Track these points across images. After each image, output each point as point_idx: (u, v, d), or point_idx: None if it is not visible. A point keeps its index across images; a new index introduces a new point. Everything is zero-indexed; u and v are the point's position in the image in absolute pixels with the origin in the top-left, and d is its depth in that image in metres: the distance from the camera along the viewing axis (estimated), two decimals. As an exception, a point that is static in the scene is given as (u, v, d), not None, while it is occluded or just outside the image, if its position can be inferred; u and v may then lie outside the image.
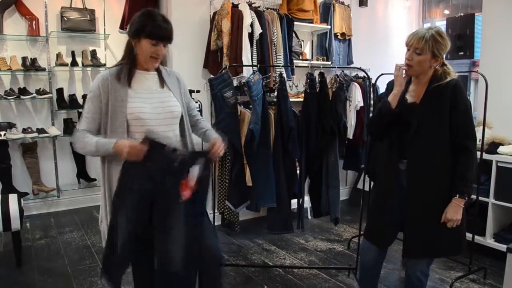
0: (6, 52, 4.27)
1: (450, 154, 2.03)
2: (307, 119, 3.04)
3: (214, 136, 2.02)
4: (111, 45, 4.83)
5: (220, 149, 1.91)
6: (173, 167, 1.78)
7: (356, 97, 4.31)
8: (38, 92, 4.32)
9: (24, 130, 4.25)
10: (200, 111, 3.71)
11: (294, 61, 4.23)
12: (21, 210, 3.15)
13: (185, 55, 3.93)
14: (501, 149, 3.30)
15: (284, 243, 3.79)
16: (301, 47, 4.54)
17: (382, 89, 2.69)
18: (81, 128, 1.89)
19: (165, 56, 2.00)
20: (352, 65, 4.89)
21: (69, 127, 4.51)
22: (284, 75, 3.48)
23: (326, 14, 4.72)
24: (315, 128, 3.04)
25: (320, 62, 4.57)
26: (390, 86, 2.19)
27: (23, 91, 4.25)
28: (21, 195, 3.47)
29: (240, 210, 3.20)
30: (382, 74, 3.29)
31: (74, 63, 4.52)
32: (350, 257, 3.48)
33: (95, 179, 4.74)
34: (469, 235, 3.04)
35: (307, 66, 4.18)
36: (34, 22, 4.28)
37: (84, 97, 4.59)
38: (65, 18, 4.40)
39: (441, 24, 5.44)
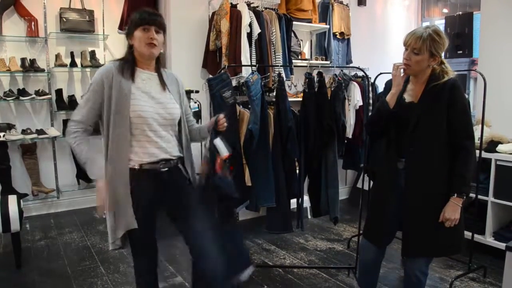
0: (5, 53, 4.26)
1: (448, 153, 2.03)
2: (306, 118, 3.04)
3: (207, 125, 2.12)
4: (110, 46, 4.82)
5: (223, 120, 2.06)
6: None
7: (355, 97, 4.31)
8: (37, 93, 4.31)
9: (24, 131, 4.25)
10: (200, 111, 3.71)
11: (293, 61, 4.23)
12: (20, 211, 3.15)
13: (184, 55, 3.93)
14: (500, 147, 3.30)
15: (283, 242, 3.79)
16: (300, 46, 4.55)
17: (381, 88, 2.69)
18: (75, 118, 1.89)
19: (163, 56, 2.00)
20: (351, 65, 4.89)
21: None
22: (283, 75, 3.48)
23: (324, 14, 4.72)
24: (314, 128, 3.04)
25: (319, 61, 4.57)
26: (388, 85, 2.19)
27: (22, 92, 4.25)
28: (21, 196, 3.46)
29: (239, 210, 3.20)
30: (381, 73, 3.29)
31: (73, 64, 4.52)
32: (350, 256, 3.48)
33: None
34: (468, 234, 3.04)
35: (306, 66, 4.18)
36: (33, 23, 4.28)
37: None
38: (64, 19, 4.40)
39: (440, 23, 5.44)
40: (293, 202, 3.22)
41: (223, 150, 2.00)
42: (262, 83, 3.12)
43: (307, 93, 3.05)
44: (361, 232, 2.94)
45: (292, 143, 3.00)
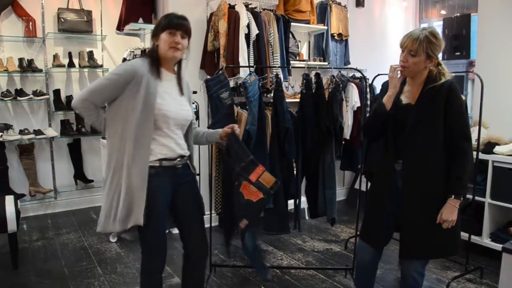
0: (3, 53, 4.25)
1: (445, 155, 2.03)
2: (303, 119, 3.04)
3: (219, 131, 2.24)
4: (108, 46, 4.82)
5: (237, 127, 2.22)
6: None
7: (353, 98, 4.31)
8: (35, 93, 4.31)
9: (21, 132, 4.25)
10: (197, 112, 3.71)
11: (291, 62, 4.23)
12: (17, 212, 3.15)
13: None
14: (497, 149, 3.31)
15: (281, 243, 3.80)
16: (298, 47, 4.55)
17: (378, 89, 2.70)
18: (89, 98, 1.90)
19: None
20: (348, 66, 4.90)
21: (66, 128, 4.51)
22: (281, 76, 3.48)
23: (323, 15, 4.72)
24: (311, 129, 3.04)
25: (317, 62, 4.58)
26: (385, 87, 2.20)
27: (20, 92, 4.25)
28: (18, 197, 3.46)
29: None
30: (378, 75, 3.30)
31: (71, 64, 4.51)
32: (347, 257, 3.48)
33: (92, 180, 4.74)
34: (465, 235, 3.05)
35: (304, 67, 4.17)
36: (30, 23, 4.27)
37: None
38: (62, 19, 4.40)
39: (438, 24, 5.45)
40: (291, 203, 3.22)
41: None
42: (260, 84, 3.12)
43: (305, 94, 3.05)
44: (358, 233, 2.94)
45: (290, 144, 3.00)
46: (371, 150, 3.33)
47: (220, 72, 2.99)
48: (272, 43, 3.92)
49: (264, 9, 4.03)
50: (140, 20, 4.21)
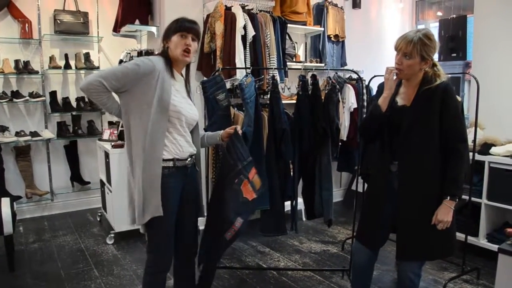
0: (-1, 55, 4.25)
1: (441, 156, 2.03)
2: (300, 121, 3.04)
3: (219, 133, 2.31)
4: (105, 48, 4.82)
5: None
6: None
7: (350, 99, 4.32)
8: (31, 95, 4.30)
9: (17, 133, 4.24)
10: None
11: (288, 63, 4.23)
12: (13, 214, 3.14)
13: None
14: (493, 150, 3.32)
15: (278, 245, 3.79)
16: (295, 49, 4.55)
17: (375, 90, 2.70)
18: (106, 83, 1.89)
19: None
20: (345, 67, 4.90)
21: (62, 130, 4.50)
22: (277, 77, 3.48)
23: (319, 16, 4.73)
24: (308, 130, 3.04)
25: (314, 64, 4.58)
26: (381, 88, 2.20)
27: (16, 94, 4.24)
28: (14, 199, 3.44)
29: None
30: (375, 76, 3.30)
31: (67, 66, 4.51)
32: (344, 258, 3.49)
33: (89, 182, 4.73)
34: (462, 236, 3.06)
35: (300, 68, 4.19)
36: (27, 24, 4.26)
37: (78, 100, 4.58)
38: (58, 21, 4.39)
39: (434, 26, 5.47)
40: (287, 204, 3.22)
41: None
42: (256, 86, 3.11)
43: (301, 96, 3.05)
44: (355, 234, 2.94)
45: (286, 145, 3.00)
46: (367, 152, 3.33)
47: (217, 73, 2.99)
48: (268, 45, 3.93)
49: (260, 11, 4.03)
50: (137, 21, 4.22)
